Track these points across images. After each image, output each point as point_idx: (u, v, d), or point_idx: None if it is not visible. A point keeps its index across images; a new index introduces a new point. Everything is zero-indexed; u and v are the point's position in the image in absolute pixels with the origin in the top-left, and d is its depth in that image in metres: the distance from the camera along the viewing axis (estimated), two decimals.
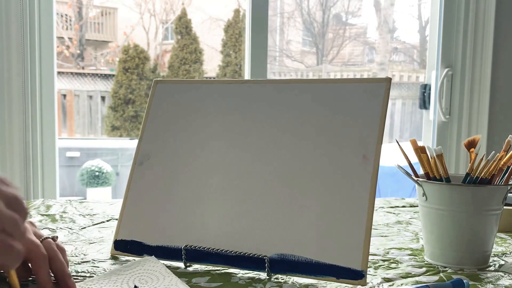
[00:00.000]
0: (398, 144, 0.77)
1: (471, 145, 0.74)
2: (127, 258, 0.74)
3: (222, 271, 0.69)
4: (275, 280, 0.66)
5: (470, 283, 0.66)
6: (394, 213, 1.06)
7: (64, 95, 5.79)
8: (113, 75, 6.00)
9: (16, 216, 0.46)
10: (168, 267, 0.69)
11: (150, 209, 0.75)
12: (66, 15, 6.24)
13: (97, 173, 4.72)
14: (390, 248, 0.81)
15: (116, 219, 0.95)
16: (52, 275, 0.59)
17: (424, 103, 2.11)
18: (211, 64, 6.25)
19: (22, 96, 1.64)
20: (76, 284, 0.61)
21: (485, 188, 0.71)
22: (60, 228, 0.90)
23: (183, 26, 5.99)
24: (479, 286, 0.65)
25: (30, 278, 0.62)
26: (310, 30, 6.09)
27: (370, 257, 0.75)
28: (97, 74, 6.27)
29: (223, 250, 0.68)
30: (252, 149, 0.72)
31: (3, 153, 1.64)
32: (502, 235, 0.90)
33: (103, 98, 6.01)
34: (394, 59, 6.14)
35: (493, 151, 0.72)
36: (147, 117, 0.80)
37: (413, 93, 5.65)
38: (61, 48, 6.02)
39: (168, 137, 0.78)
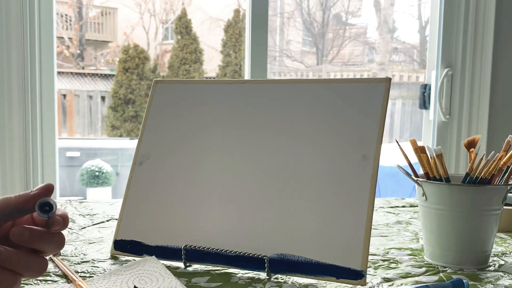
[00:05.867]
0: (398, 144, 0.77)
1: (471, 145, 0.74)
2: (127, 258, 0.74)
3: (222, 271, 0.69)
4: (275, 280, 0.66)
5: (470, 283, 0.66)
6: (394, 213, 1.06)
7: (64, 95, 5.79)
8: (113, 75, 6.00)
9: None
10: (168, 267, 0.69)
11: (150, 209, 0.75)
12: (66, 15, 6.23)
13: (97, 173, 4.71)
14: (390, 248, 0.81)
15: (116, 219, 0.95)
16: None
17: (424, 103, 2.11)
18: (211, 64, 6.25)
19: (22, 96, 1.64)
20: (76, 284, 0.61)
21: (485, 188, 0.71)
22: None
23: (183, 26, 5.99)
24: (479, 286, 0.65)
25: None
26: (310, 30, 6.08)
27: (370, 257, 0.75)
28: (97, 74, 6.27)
29: (223, 250, 0.68)
30: (252, 149, 0.72)
31: (3, 153, 1.64)
32: (502, 235, 0.90)
33: (103, 98, 6.00)
34: (394, 59, 6.13)
35: (493, 151, 0.72)
36: (147, 117, 0.80)
37: (413, 93, 5.65)
38: (61, 48, 6.02)
39: (168, 137, 0.78)
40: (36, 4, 1.66)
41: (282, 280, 0.66)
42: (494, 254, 0.78)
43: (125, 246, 0.74)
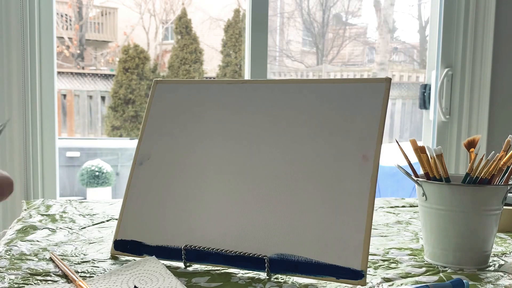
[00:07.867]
0: (398, 144, 0.77)
1: (471, 145, 0.74)
2: (127, 258, 0.74)
3: (222, 271, 0.69)
4: (275, 280, 0.66)
5: (470, 283, 0.66)
6: (394, 213, 1.06)
7: (64, 95, 5.79)
8: (113, 75, 6.00)
9: None
10: (168, 267, 0.69)
11: (150, 209, 0.75)
12: (66, 15, 6.23)
13: (97, 173, 4.71)
14: (390, 248, 0.81)
15: (116, 219, 0.95)
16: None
17: (424, 103, 2.11)
18: (211, 64, 6.24)
19: (22, 96, 1.64)
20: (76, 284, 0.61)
21: (485, 188, 0.71)
22: (60, 228, 0.90)
23: (183, 26, 5.99)
24: (479, 286, 0.65)
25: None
26: (310, 30, 6.08)
27: (370, 257, 0.75)
28: (97, 74, 6.26)
29: (223, 250, 0.68)
30: (252, 149, 0.72)
31: (3, 153, 1.64)
32: (502, 235, 0.90)
33: (103, 98, 6.00)
34: (394, 59, 6.13)
35: (493, 151, 0.72)
36: (147, 117, 0.81)
37: (413, 93, 5.65)
38: (61, 48, 6.02)
39: (168, 137, 0.78)
40: (36, 4, 1.66)
41: (282, 280, 0.66)
42: (494, 254, 0.78)
43: (125, 246, 0.74)
